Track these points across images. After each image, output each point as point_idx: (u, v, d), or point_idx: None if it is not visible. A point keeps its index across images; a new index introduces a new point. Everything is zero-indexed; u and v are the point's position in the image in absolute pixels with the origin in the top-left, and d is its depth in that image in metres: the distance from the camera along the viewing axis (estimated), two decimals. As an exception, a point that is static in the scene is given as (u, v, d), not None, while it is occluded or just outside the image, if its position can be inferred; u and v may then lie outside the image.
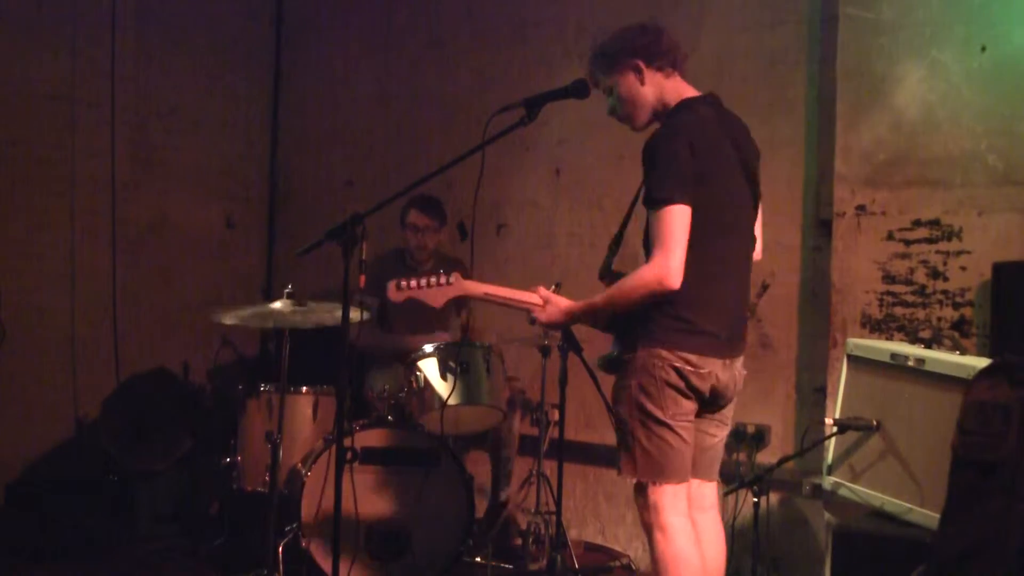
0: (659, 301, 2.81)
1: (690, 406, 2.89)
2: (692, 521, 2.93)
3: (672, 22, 3.17)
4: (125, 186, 5.61)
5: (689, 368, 2.85)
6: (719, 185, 2.88)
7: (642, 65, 2.94)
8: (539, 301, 3.10)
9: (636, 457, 2.86)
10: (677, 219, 2.77)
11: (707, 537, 3.01)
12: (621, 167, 4.85)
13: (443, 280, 3.11)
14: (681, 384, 2.85)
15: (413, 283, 3.10)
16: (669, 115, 2.96)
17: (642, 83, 2.95)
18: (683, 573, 2.82)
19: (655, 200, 2.79)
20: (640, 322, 2.87)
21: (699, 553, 2.87)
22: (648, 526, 2.88)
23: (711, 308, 2.89)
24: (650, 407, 2.84)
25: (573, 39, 5.09)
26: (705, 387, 2.89)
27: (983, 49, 3.78)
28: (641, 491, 2.88)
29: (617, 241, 3.15)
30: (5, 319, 4.93)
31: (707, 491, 3.06)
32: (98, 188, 5.49)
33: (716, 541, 3.04)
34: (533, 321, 4.11)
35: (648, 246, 2.87)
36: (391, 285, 3.11)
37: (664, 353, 2.84)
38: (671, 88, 2.98)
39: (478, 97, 5.37)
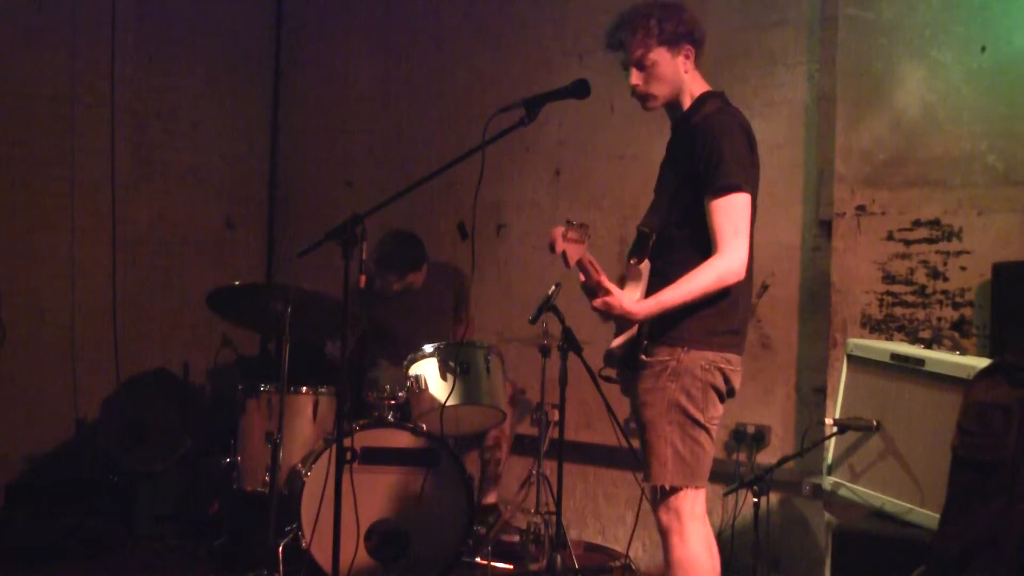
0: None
1: (721, 408, 2.91)
2: None
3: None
4: (125, 186, 5.62)
5: (730, 368, 2.87)
6: (756, 183, 2.90)
7: (692, 53, 2.93)
8: (616, 291, 2.82)
9: (668, 461, 2.81)
10: (746, 207, 2.80)
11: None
12: (621, 168, 4.85)
13: (583, 238, 2.79)
14: (723, 387, 2.87)
15: (571, 234, 2.75)
16: (702, 103, 2.93)
17: (686, 70, 2.93)
18: (694, 574, 2.81)
19: (727, 186, 2.77)
20: (679, 321, 2.81)
21: (711, 558, 2.86)
22: (666, 530, 2.84)
23: (740, 306, 2.90)
24: (692, 410, 2.81)
25: (573, 40, 5.08)
26: (737, 386, 2.92)
27: (983, 49, 3.78)
28: (664, 495, 2.83)
29: (650, 224, 2.97)
30: (5, 319, 4.93)
31: None
32: (98, 188, 5.50)
33: (713, 543, 3.05)
34: (533, 321, 4.13)
35: (682, 234, 2.85)
36: (558, 232, 2.72)
37: (710, 355, 2.83)
38: (697, 81, 2.98)
39: (478, 97, 5.37)
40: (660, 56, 2.89)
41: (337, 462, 3.01)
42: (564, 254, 2.73)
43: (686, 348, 2.82)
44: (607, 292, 2.76)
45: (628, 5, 2.99)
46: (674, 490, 2.82)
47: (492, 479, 4.76)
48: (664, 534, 2.86)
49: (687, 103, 2.96)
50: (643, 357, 2.85)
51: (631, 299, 2.81)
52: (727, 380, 2.87)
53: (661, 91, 2.93)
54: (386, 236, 4.87)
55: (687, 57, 2.92)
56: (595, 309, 2.81)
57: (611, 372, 3.06)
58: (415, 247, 4.90)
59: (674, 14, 2.92)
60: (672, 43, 2.89)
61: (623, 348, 2.93)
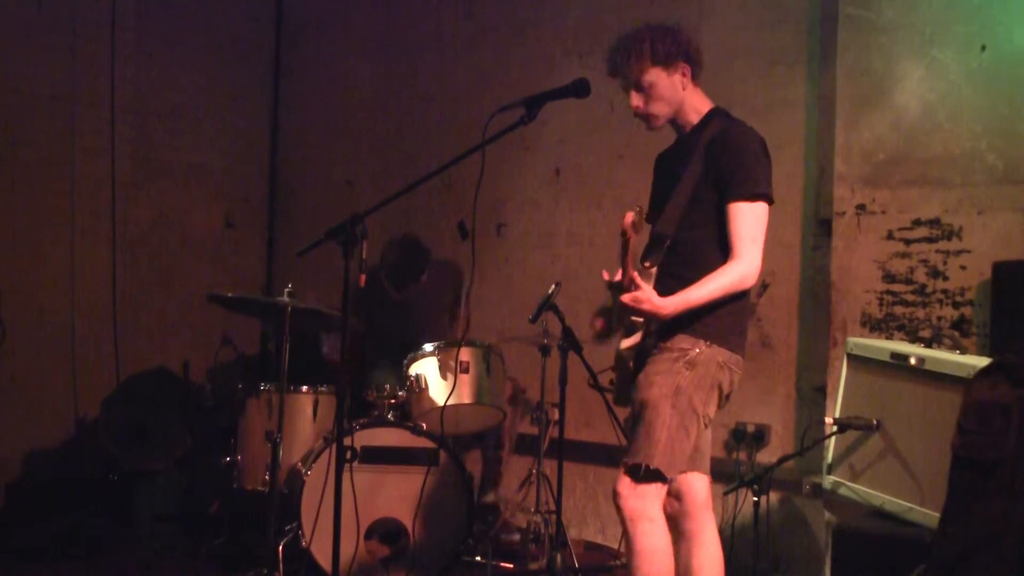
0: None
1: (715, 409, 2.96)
2: (694, 519, 2.98)
3: (672, 21, 3.15)
4: (125, 186, 5.62)
5: (737, 371, 2.93)
6: None
7: (689, 71, 2.98)
8: (645, 287, 2.84)
9: (660, 444, 2.82)
10: (765, 217, 2.88)
11: (708, 538, 3.02)
12: (621, 167, 4.85)
13: (639, 229, 2.88)
14: (727, 388, 2.92)
15: (636, 220, 2.83)
16: (712, 118, 2.98)
17: (683, 87, 2.98)
18: (663, 564, 2.84)
19: (754, 193, 2.85)
20: (700, 316, 2.85)
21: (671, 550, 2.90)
22: (635, 515, 2.83)
23: (747, 308, 3.00)
24: (696, 401, 2.85)
25: (573, 39, 5.08)
26: (734, 391, 2.97)
27: (983, 49, 3.78)
28: (641, 479, 2.83)
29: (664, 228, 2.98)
30: (5, 319, 4.93)
31: (705, 484, 3.08)
32: (98, 188, 5.50)
33: (716, 545, 3.04)
34: (533, 320, 4.13)
35: (702, 237, 2.89)
36: (631, 219, 2.79)
37: (727, 354, 2.89)
38: (699, 97, 3.04)
39: (478, 97, 5.37)
40: (656, 76, 2.96)
41: (337, 461, 3.01)
42: (627, 242, 2.79)
43: (708, 342, 2.87)
44: (638, 287, 2.78)
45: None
46: (653, 476, 2.82)
47: (493, 478, 4.76)
48: (632, 521, 2.83)
49: (694, 118, 3.02)
50: (661, 343, 2.88)
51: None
52: (731, 382, 2.93)
53: (661, 110, 3.00)
54: (391, 250, 4.86)
55: (684, 75, 2.98)
56: (622, 304, 2.82)
57: (604, 382, 3.05)
58: (421, 249, 4.91)
59: (667, 35, 2.99)
60: (666, 63, 2.95)
61: (633, 350, 2.94)
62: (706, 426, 2.93)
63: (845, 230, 4.06)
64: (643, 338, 2.91)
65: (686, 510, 2.99)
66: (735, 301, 2.89)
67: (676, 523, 2.98)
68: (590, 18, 4.97)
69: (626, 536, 2.87)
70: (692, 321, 2.86)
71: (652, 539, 2.83)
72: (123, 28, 5.57)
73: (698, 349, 2.86)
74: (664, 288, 2.86)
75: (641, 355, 2.95)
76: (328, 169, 6.16)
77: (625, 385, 3.01)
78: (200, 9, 5.97)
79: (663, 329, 2.89)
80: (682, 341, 2.87)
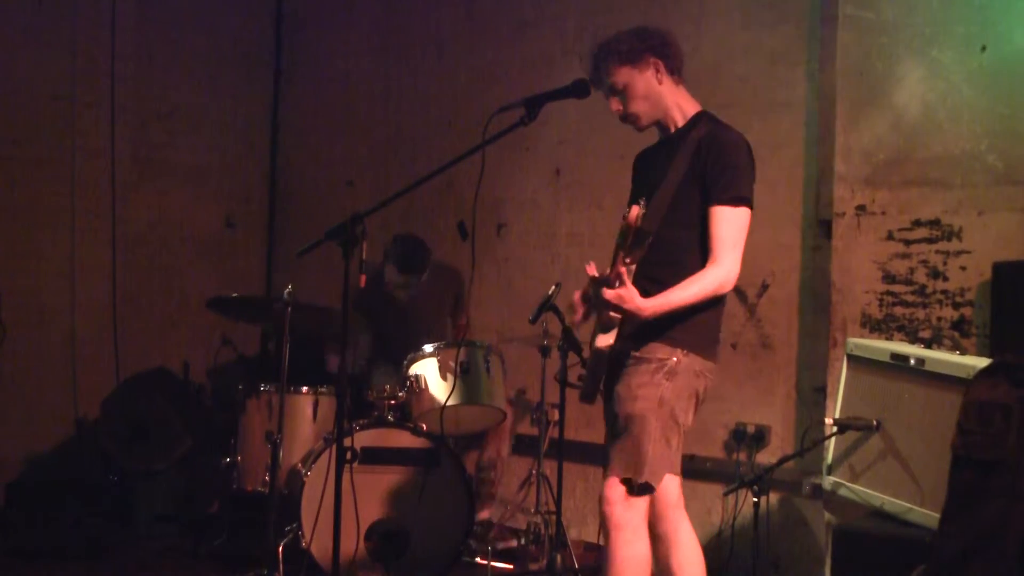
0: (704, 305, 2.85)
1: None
2: (668, 521, 2.98)
3: (672, 21, 3.17)
4: (125, 186, 5.62)
5: (711, 378, 2.93)
6: None
7: (662, 65, 2.96)
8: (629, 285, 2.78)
9: (647, 457, 2.81)
10: (747, 223, 2.86)
11: (685, 538, 3.01)
12: (621, 167, 4.83)
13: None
14: (702, 396, 2.92)
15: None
16: (699, 119, 2.96)
17: (660, 83, 2.96)
18: (640, 574, 2.84)
19: (738, 198, 2.83)
20: (676, 323, 2.83)
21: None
22: (622, 524, 2.82)
23: (721, 315, 2.98)
24: (678, 412, 2.84)
25: (573, 39, 5.08)
26: (705, 397, 2.97)
27: (983, 49, 3.79)
28: (630, 491, 2.81)
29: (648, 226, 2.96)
30: (5, 319, 4.93)
31: (676, 485, 3.05)
32: (98, 188, 5.50)
33: (694, 543, 3.04)
34: (533, 321, 4.14)
35: (686, 238, 2.87)
36: (637, 215, 2.69)
37: (703, 362, 2.88)
38: (683, 96, 3.01)
39: (478, 97, 5.37)
40: (627, 76, 2.94)
41: (337, 462, 3.01)
42: (626, 237, 2.74)
43: (685, 351, 2.85)
44: (623, 284, 2.74)
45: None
46: (643, 489, 2.81)
47: (486, 497, 4.72)
48: (617, 529, 2.82)
49: (678, 117, 2.99)
50: (635, 353, 2.87)
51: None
52: (706, 388, 2.92)
53: (642, 108, 2.98)
54: (397, 244, 4.83)
55: (657, 70, 2.95)
56: (605, 300, 2.77)
57: (573, 378, 3.02)
58: (424, 245, 4.90)
59: (631, 33, 2.98)
60: (633, 60, 2.93)
61: (610, 347, 2.92)
62: (683, 432, 2.90)
63: (845, 231, 4.06)
64: (617, 338, 2.88)
65: (658, 512, 2.96)
66: (711, 308, 2.88)
67: (650, 527, 2.94)
68: (590, 18, 4.97)
69: (606, 543, 2.85)
70: (667, 329, 2.84)
71: (633, 548, 2.82)
72: (123, 28, 5.57)
73: (675, 358, 2.84)
74: (639, 291, 2.80)
75: (615, 355, 2.91)
76: (328, 169, 6.16)
77: (595, 382, 2.99)
78: (200, 9, 5.97)
79: (637, 335, 2.86)
80: (659, 351, 2.85)
